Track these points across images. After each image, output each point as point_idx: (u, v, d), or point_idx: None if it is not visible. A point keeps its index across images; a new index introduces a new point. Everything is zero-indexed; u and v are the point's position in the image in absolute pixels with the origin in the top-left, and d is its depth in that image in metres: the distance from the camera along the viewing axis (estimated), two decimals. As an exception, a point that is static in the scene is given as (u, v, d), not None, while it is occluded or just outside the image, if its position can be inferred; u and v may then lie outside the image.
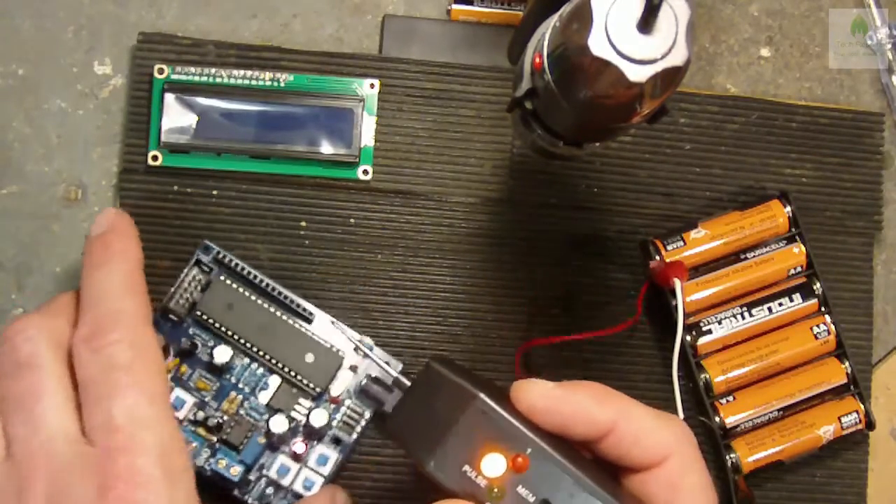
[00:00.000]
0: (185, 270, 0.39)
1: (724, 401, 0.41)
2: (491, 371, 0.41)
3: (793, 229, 0.42)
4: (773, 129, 0.43)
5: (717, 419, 0.41)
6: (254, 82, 0.41)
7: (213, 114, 0.40)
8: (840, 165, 0.44)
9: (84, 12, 0.42)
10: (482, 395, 0.26)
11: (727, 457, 0.41)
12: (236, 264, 0.39)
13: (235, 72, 0.40)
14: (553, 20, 0.28)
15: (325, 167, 0.41)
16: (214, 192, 0.41)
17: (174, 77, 0.40)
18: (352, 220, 0.41)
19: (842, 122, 0.44)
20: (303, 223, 0.41)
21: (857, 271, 0.43)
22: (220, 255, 0.39)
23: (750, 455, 0.40)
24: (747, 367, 0.41)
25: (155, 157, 0.40)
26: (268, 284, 0.39)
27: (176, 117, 0.40)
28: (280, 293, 0.39)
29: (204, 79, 0.40)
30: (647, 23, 0.24)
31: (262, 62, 0.41)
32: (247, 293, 0.39)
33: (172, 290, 0.39)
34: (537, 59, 0.28)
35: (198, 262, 0.39)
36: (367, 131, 0.41)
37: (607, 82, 0.25)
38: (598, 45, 0.24)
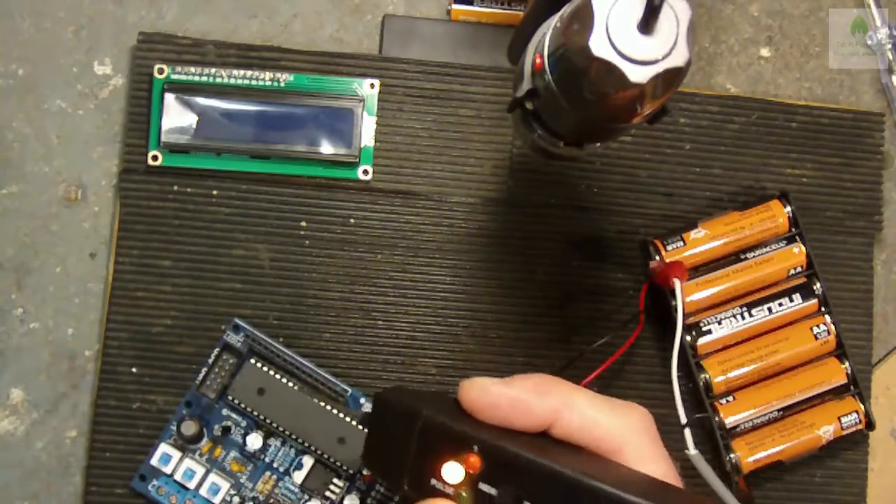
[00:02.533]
0: (215, 352, 0.39)
1: (724, 401, 0.41)
2: (491, 371, 0.41)
3: (793, 229, 0.42)
4: (773, 129, 0.43)
5: (716, 419, 0.41)
6: (254, 82, 0.41)
7: (213, 114, 0.40)
8: (840, 165, 0.44)
9: (84, 12, 0.42)
10: (424, 412, 0.28)
11: (727, 457, 0.41)
12: (266, 346, 0.39)
13: (235, 72, 0.40)
14: (554, 20, 0.28)
15: (325, 167, 0.41)
16: (214, 192, 0.40)
17: (174, 77, 0.40)
18: (352, 220, 0.41)
19: (842, 122, 0.44)
20: (303, 223, 0.41)
21: (857, 271, 0.43)
22: (250, 337, 0.39)
23: (750, 455, 0.40)
24: (747, 367, 0.41)
25: (155, 157, 0.40)
26: (299, 365, 0.39)
27: (176, 117, 0.40)
28: (311, 373, 0.39)
29: (204, 79, 0.40)
30: (647, 23, 0.24)
31: (262, 62, 0.41)
32: (277, 376, 0.39)
33: (203, 373, 0.39)
34: (538, 60, 0.28)
35: (226, 346, 0.39)
36: (367, 131, 0.41)
37: (608, 83, 0.25)
38: (599, 45, 0.24)
